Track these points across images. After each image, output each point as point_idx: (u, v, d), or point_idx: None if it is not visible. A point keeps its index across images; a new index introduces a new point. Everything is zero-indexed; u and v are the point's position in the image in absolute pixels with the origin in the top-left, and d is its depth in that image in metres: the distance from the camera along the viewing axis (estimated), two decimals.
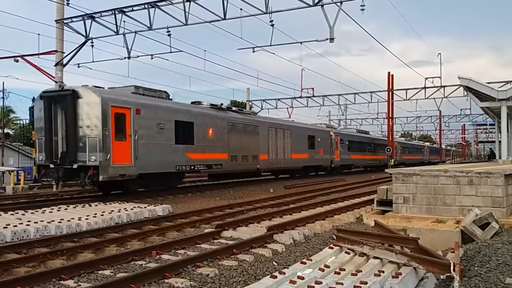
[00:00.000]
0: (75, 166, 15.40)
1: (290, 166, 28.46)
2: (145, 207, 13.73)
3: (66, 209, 13.40)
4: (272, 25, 18.70)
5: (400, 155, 51.04)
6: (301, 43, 20.91)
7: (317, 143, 31.69)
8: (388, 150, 36.73)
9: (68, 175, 15.91)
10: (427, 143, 76.62)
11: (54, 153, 15.97)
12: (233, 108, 25.49)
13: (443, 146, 79.34)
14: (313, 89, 41.70)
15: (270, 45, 20.16)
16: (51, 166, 15.90)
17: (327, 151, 33.15)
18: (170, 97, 20.79)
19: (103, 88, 17.23)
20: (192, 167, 19.82)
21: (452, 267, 5.68)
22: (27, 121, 27.65)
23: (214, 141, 21.04)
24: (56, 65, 22.31)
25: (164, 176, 18.65)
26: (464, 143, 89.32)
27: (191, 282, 6.46)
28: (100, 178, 15.26)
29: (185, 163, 19.28)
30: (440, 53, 35.33)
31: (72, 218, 11.20)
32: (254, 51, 21.29)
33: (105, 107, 15.46)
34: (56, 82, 22.32)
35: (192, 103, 21.76)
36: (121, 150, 15.95)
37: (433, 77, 35.57)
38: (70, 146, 15.60)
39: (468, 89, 20.93)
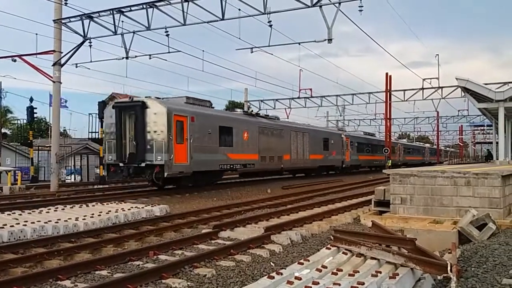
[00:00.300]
0: (143, 164, 18.00)
1: (308, 166, 31.27)
2: (142, 207, 13.71)
3: (63, 209, 13.37)
4: (270, 26, 18.70)
5: (404, 156, 53.24)
6: (299, 43, 20.92)
7: (331, 145, 34.40)
8: (386, 150, 36.77)
9: (137, 172, 18.60)
10: (428, 145, 76.92)
11: (123, 154, 18.57)
12: (261, 114, 28.34)
13: (441, 147, 79.57)
14: (311, 89, 41.78)
15: (268, 46, 20.15)
16: (121, 164, 18.56)
17: (339, 152, 35.94)
18: (212, 106, 23.52)
19: (162, 98, 20.06)
20: (231, 166, 22.85)
21: (449, 268, 5.68)
22: (25, 121, 27.58)
23: (248, 143, 23.93)
24: (54, 65, 22.30)
25: (210, 173, 21.48)
26: (462, 144, 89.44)
27: (188, 283, 6.45)
28: (165, 175, 18.00)
29: (226, 163, 22.19)
30: (438, 54, 35.70)
31: (69, 218, 11.17)
32: (252, 52, 21.30)
33: (169, 116, 18.21)
34: (54, 82, 22.33)
35: (226, 109, 23.70)
36: (180, 151, 18.73)
37: (431, 78, 35.66)
38: (139, 148, 18.21)
39: (465, 90, 20.97)
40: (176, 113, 18.75)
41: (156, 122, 18.09)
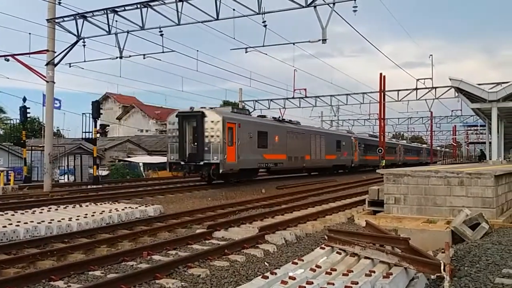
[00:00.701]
0: (201, 163, 21.51)
1: (324, 165, 35.09)
2: (136, 208, 13.67)
3: (57, 209, 13.31)
4: (265, 26, 18.71)
5: (404, 156, 56.30)
6: (293, 44, 20.95)
7: (342, 146, 38.30)
8: (380, 151, 36.89)
9: (196, 169, 22.08)
10: (425, 145, 77.53)
11: (184, 154, 22.05)
12: (286, 120, 32.02)
13: (435, 147, 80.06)
14: (305, 89, 41.86)
15: (263, 46, 20.17)
16: (182, 163, 22.10)
17: (349, 153, 39.93)
18: (250, 113, 27.45)
19: (212, 108, 23.96)
20: (266, 164, 26.65)
21: (442, 267, 5.70)
22: (18, 121, 27.42)
23: (278, 145, 27.54)
24: (47, 64, 22.18)
25: (250, 171, 25.49)
26: (455, 144, 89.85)
27: (182, 283, 6.44)
28: (220, 171, 21.61)
29: (262, 162, 26.02)
30: (431, 55, 35.84)
31: (62, 219, 11.11)
32: (246, 52, 21.32)
33: (223, 123, 21.73)
34: (47, 81, 22.21)
35: (257, 116, 28.41)
36: (231, 152, 22.33)
37: (424, 78, 35.80)
38: (198, 149, 21.68)
39: (459, 90, 21.08)
40: (228, 120, 22.32)
41: (213, 128, 21.69)
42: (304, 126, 33.74)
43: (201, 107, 22.96)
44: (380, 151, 36.89)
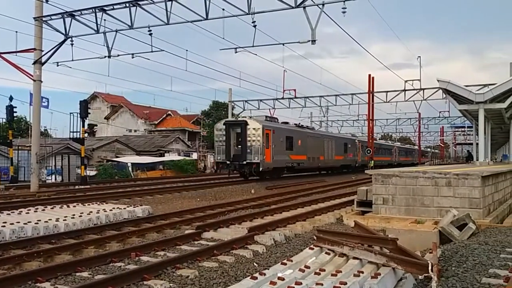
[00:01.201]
0: (244, 162, 26.27)
1: (334, 165, 39.43)
2: (124, 208, 13.58)
3: (44, 210, 13.17)
4: (255, 26, 18.69)
5: (399, 157, 60.26)
6: (283, 44, 20.96)
7: (348, 148, 42.85)
8: (368, 151, 37.09)
9: (240, 168, 26.91)
10: (416, 147, 78.33)
11: (229, 155, 26.71)
12: (305, 126, 37.36)
13: (423, 148, 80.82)
14: (295, 90, 41.93)
15: (253, 46, 20.15)
16: (228, 162, 26.81)
17: (354, 154, 44.43)
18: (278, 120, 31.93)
19: (250, 117, 28.89)
20: (291, 164, 30.94)
21: (430, 267, 5.74)
22: (4, 120, 27.09)
23: (301, 148, 32.04)
24: (34, 63, 21.94)
25: (280, 169, 30.17)
26: (443, 145, 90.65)
27: (171, 284, 6.41)
28: (260, 169, 26.41)
29: (289, 162, 30.51)
30: (419, 56, 35.72)
31: (49, 219, 11.00)
32: (236, 52, 21.28)
33: (263, 130, 26.52)
34: (34, 80, 21.98)
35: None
36: (267, 154, 27.04)
37: (412, 80, 36.04)
38: (242, 151, 26.37)
39: (446, 91, 21.23)
40: (266, 128, 27.06)
41: (254, 134, 26.34)
42: (319, 131, 40.67)
43: (243, 117, 29.34)
44: (368, 151, 37.09)
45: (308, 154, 33.33)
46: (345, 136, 46.23)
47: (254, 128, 26.45)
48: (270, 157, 27.21)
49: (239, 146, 26.69)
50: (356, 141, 45.77)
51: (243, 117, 28.67)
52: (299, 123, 36.38)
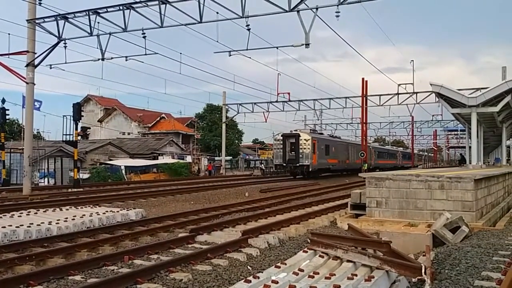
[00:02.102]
0: (297, 164, 34.66)
1: (355, 167, 43.94)
2: (117, 211, 13.51)
3: (36, 213, 13.07)
4: (249, 30, 18.71)
5: (402, 161, 67.19)
6: (277, 48, 21.03)
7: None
8: (362, 154, 37.24)
9: (293, 169, 35.34)
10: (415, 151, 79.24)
11: (285, 159, 35.24)
12: (334, 135, 46.63)
13: (416, 152, 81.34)
14: (289, 93, 42.04)
15: (247, 49, 20.18)
16: (284, 164, 35.59)
17: (369, 158, 49.51)
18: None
19: (300, 130, 38.00)
20: (328, 166, 39.44)
21: (423, 270, 5.76)
22: None
23: (334, 153, 40.77)
24: (27, 65, 21.83)
25: (322, 170, 38.23)
26: (436, 149, 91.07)
27: None
28: (310, 170, 34.87)
29: (327, 164, 39.16)
30: (413, 60, 35.95)
31: (42, 223, 10.92)
32: (230, 55, 21.32)
33: (312, 140, 35.09)
34: (27, 83, 21.87)
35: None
36: (314, 158, 35.44)
37: (406, 84, 36.24)
38: (296, 156, 34.62)
39: (439, 95, 21.33)
40: (313, 138, 35.76)
41: (305, 143, 34.70)
42: (344, 139, 49.66)
43: (295, 129, 37.73)
44: (362, 155, 37.25)
45: (338, 158, 42.10)
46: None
47: (305, 139, 34.86)
48: (316, 161, 35.70)
49: (293, 152, 34.97)
50: (371, 147, 53.64)
51: (294, 130, 37.09)
52: (332, 134, 47.45)
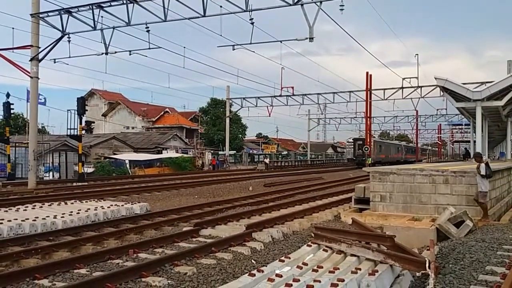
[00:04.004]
0: (363, 158, 42.59)
1: (395, 160, 56.50)
2: (122, 205, 13.56)
3: (41, 207, 13.15)
4: (252, 23, 18.68)
5: (405, 155, 69.19)
6: (281, 41, 21.00)
7: (399, 151, 64.18)
8: (366, 149, 37.20)
9: (359, 162, 46.58)
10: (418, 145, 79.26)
11: (355, 155, 54.12)
12: (381, 138, 64.78)
13: (420, 146, 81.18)
14: (293, 88, 42.08)
15: (250, 43, 20.18)
16: (353, 158, 54.85)
17: (402, 154, 65.24)
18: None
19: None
20: (380, 160, 48.24)
21: (427, 265, 5.76)
22: (1, 117, 27.01)
23: (383, 150, 53.99)
24: (31, 60, 21.89)
25: (378, 163, 42.63)
26: (440, 143, 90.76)
27: (169, 281, 6.40)
28: (371, 162, 42.08)
29: (381, 159, 48.98)
30: (417, 54, 36.20)
31: (47, 216, 10.99)
32: (234, 49, 21.31)
33: (372, 142, 47.08)
34: (31, 77, 21.93)
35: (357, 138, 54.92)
36: (371, 154, 42.69)
37: (410, 78, 36.18)
38: (363, 153, 44.16)
39: (444, 89, 21.22)
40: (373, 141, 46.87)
41: (361, 146, 47.37)
42: (387, 140, 67.23)
43: (360, 135, 52.05)
44: (366, 149, 37.22)
45: (386, 154, 55.12)
46: (397, 143, 70.08)
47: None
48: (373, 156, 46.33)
49: (359, 150, 48.66)
50: (402, 145, 67.92)
51: (360, 135, 51.44)
52: (379, 136, 64.67)
